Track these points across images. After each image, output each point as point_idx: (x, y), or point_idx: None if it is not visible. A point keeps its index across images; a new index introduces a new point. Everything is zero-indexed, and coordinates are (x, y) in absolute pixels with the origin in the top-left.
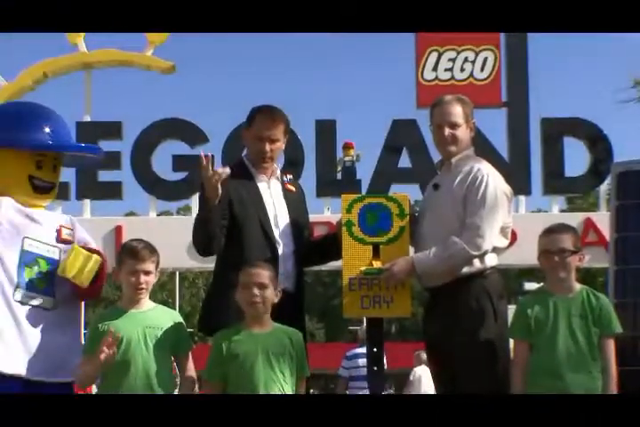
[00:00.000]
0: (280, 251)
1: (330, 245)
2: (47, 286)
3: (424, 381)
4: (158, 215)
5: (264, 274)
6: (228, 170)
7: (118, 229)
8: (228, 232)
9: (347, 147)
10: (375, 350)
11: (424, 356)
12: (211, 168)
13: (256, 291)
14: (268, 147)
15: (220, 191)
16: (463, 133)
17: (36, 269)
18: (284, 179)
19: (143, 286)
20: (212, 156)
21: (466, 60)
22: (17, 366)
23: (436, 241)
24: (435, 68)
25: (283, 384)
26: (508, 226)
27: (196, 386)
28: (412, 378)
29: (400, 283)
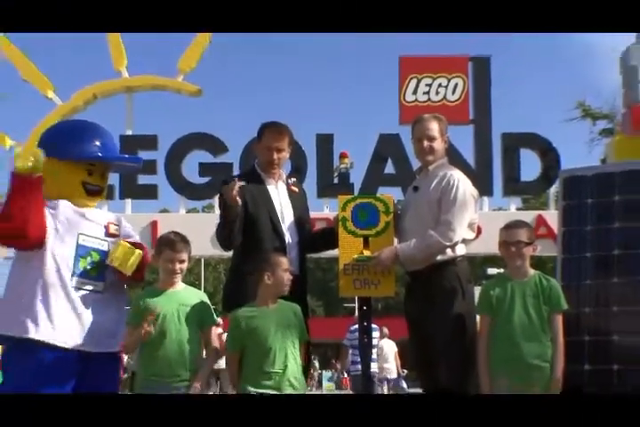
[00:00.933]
0: (287, 241)
1: (328, 237)
2: (99, 274)
3: (385, 351)
4: (187, 212)
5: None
6: (242, 183)
7: (154, 224)
8: (244, 227)
9: (342, 156)
10: (365, 324)
11: (386, 330)
12: (235, 189)
13: (289, 275)
14: (275, 156)
15: (239, 201)
16: (439, 145)
17: (89, 259)
18: (289, 182)
19: (178, 271)
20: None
21: (440, 85)
22: (74, 340)
23: (415, 234)
24: (414, 92)
25: (293, 351)
26: (475, 222)
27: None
28: (376, 349)
29: (386, 268)
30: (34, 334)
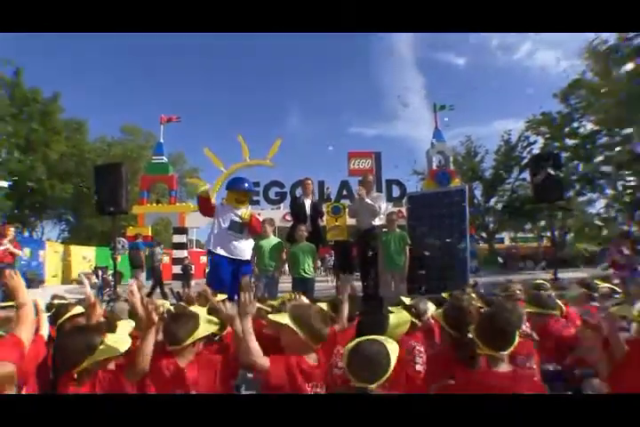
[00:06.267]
0: (308, 219)
1: (322, 217)
2: (241, 230)
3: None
4: (271, 210)
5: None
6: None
7: (256, 215)
8: (296, 216)
9: (327, 188)
10: (337, 250)
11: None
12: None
13: (305, 233)
14: (310, 191)
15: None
16: (371, 185)
17: (238, 224)
18: (313, 200)
19: (271, 230)
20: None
21: (363, 162)
22: (233, 254)
23: (366, 212)
24: (354, 164)
25: (309, 260)
26: (382, 212)
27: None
28: None
29: (363, 191)
30: (220, 251)
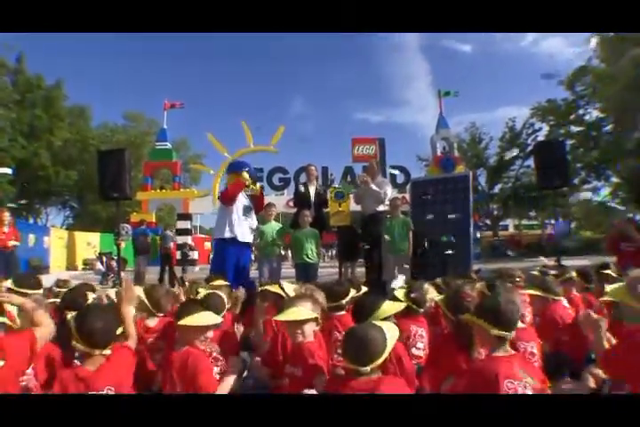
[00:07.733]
0: (312, 205)
1: (326, 203)
2: (249, 214)
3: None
4: (275, 195)
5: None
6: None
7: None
8: (299, 201)
9: (330, 174)
10: (341, 235)
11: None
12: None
13: (309, 218)
14: (314, 175)
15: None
16: (376, 170)
17: (245, 208)
18: (317, 186)
19: (274, 215)
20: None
21: (367, 148)
22: (239, 237)
23: (371, 197)
24: (357, 150)
25: (312, 245)
26: (388, 198)
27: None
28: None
29: (364, 179)
30: (226, 235)
